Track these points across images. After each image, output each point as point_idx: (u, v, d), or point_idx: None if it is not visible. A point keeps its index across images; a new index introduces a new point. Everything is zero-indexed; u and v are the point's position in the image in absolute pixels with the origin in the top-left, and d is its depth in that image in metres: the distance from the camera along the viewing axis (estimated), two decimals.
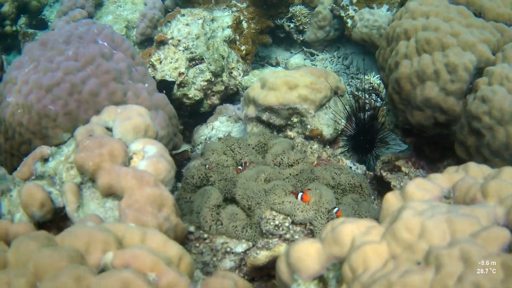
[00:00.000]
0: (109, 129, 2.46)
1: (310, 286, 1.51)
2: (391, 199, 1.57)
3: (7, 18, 5.48)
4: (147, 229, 1.79)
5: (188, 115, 4.05)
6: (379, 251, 1.33)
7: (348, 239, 1.42)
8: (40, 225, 2.24)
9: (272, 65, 5.12)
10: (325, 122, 3.22)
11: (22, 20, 5.62)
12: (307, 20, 5.05)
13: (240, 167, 2.68)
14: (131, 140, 2.37)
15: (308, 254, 1.48)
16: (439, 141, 2.82)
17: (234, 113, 3.73)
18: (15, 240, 1.58)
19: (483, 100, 2.38)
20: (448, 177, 1.62)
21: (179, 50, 3.84)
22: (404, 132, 3.01)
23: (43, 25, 5.74)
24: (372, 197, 2.89)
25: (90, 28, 2.89)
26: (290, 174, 2.64)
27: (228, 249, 2.43)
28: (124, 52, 2.85)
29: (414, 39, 2.65)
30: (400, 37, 2.73)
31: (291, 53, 5.32)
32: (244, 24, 4.45)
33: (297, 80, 3.13)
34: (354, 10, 4.73)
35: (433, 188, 1.56)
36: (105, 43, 2.80)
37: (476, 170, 1.64)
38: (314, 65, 5.10)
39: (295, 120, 3.18)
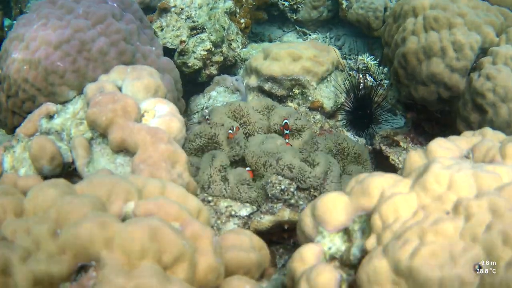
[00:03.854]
0: (119, 88, 2.47)
1: (335, 238, 1.55)
2: (414, 156, 1.63)
3: None
4: (166, 182, 1.79)
5: (185, 84, 4.06)
6: (409, 202, 1.38)
7: (377, 191, 1.46)
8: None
9: (266, 42, 5.15)
10: (326, 95, 3.28)
11: None
12: None
13: (230, 131, 2.67)
14: (142, 99, 2.39)
15: (335, 206, 1.52)
16: (439, 117, 2.91)
17: (231, 84, 3.74)
18: (34, 187, 1.55)
19: (488, 77, 2.48)
20: (467, 140, 1.69)
21: (181, 19, 3.84)
22: (406, 107, 3.11)
23: None
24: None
25: None
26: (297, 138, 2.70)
27: (233, 213, 2.46)
28: (133, 14, 2.86)
29: (422, 16, 2.73)
30: (407, 14, 2.81)
31: (284, 31, 5.35)
32: None
33: (301, 52, 3.19)
34: None
35: (454, 148, 1.62)
36: (115, 4, 2.80)
37: (492, 135, 1.72)
38: None
39: (296, 91, 3.24)
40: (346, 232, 1.55)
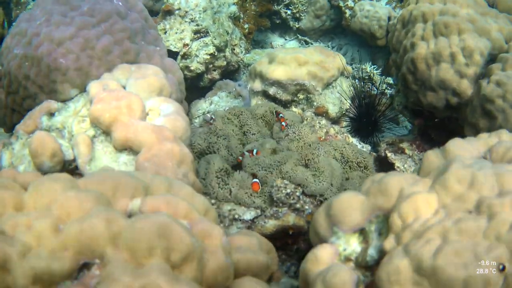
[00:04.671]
0: (122, 87, 2.41)
1: (351, 238, 1.50)
2: (431, 156, 1.59)
3: None
4: (172, 180, 1.73)
5: (187, 88, 4.01)
6: (430, 201, 1.34)
7: (396, 190, 1.42)
8: None
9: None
10: (331, 101, 3.23)
11: None
12: (304, 8, 5.07)
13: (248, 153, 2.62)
14: (146, 98, 2.33)
15: (351, 206, 1.47)
16: (447, 124, 2.88)
17: (234, 89, 3.70)
18: (35, 181, 1.48)
19: (498, 84, 2.44)
20: (483, 141, 1.65)
21: (185, 22, 3.80)
22: (413, 114, 3.07)
23: None
24: None
25: None
26: (298, 146, 2.65)
27: (236, 216, 2.40)
28: (138, 13, 2.80)
29: (432, 22, 2.71)
30: (417, 19, 2.79)
31: (285, 40, 5.32)
32: (247, 4, 4.43)
33: (307, 57, 3.14)
34: (353, 1, 4.76)
35: (472, 148, 1.58)
36: (120, 3, 2.74)
37: (508, 136, 1.68)
38: None
39: (301, 96, 3.19)
40: (362, 232, 1.50)
